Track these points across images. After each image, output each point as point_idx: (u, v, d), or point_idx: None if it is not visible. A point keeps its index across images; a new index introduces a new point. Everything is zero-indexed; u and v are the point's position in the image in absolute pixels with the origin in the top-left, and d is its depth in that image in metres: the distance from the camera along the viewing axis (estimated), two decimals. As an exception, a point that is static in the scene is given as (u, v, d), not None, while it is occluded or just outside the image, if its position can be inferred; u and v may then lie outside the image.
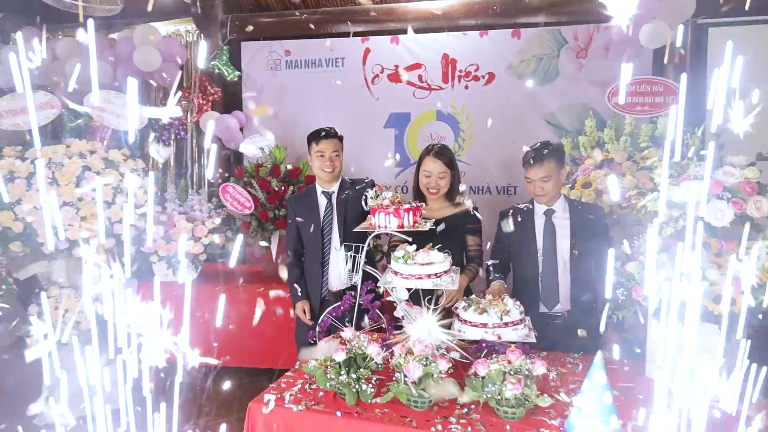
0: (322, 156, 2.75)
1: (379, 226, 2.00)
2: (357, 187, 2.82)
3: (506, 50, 4.08)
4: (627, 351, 2.61)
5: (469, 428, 1.66)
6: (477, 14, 4.07)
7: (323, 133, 2.76)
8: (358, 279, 2.07)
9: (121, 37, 4.49)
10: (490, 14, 4.05)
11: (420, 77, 4.24)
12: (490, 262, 2.69)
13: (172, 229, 3.57)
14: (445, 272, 2.01)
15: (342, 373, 1.81)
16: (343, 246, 2.14)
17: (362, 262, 2.07)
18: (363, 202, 2.42)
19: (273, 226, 3.71)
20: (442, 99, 4.22)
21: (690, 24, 3.72)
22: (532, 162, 2.49)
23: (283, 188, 3.72)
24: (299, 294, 2.79)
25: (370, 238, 2.10)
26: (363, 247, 2.08)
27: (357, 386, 1.79)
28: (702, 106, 3.77)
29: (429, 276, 1.96)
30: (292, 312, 2.88)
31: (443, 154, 2.65)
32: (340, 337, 1.96)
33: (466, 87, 4.17)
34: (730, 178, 1.86)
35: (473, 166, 4.23)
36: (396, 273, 2.01)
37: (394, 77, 4.29)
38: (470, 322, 2.02)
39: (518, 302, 2.11)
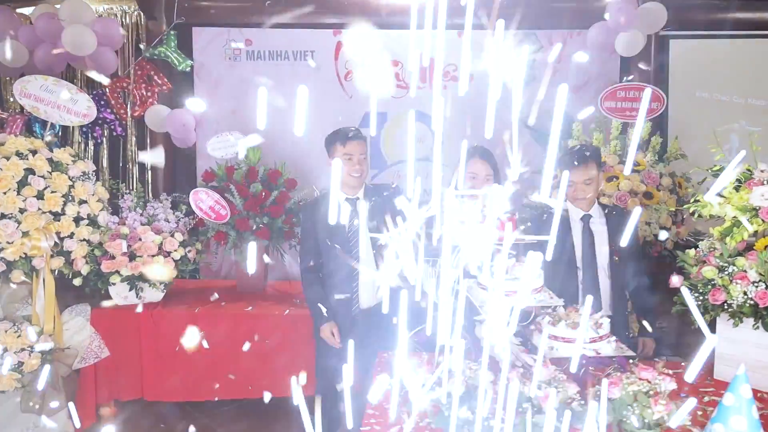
0: (350, 159, 2.47)
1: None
2: (385, 194, 2.57)
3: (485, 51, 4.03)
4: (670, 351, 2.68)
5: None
6: (455, 13, 3.96)
7: (351, 134, 2.48)
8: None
9: (40, 13, 3.73)
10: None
11: (397, 75, 4.05)
12: None
13: (136, 243, 3.01)
14: (542, 287, 1.86)
15: (467, 409, 1.59)
16: (425, 262, 1.91)
17: (456, 279, 1.85)
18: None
19: (254, 236, 3.29)
20: (420, 99, 4.06)
21: (654, 35, 3.95)
22: (576, 164, 2.43)
23: (263, 194, 3.32)
24: (325, 314, 2.47)
25: (460, 252, 1.88)
26: (455, 262, 1.86)
27: (483, 422, 1.58)
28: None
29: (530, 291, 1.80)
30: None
31: (490, 155, 2.51)
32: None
33: (445, 87, 4.06)
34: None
35: (452, 169, 4.13)
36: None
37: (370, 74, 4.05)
38: (563, 338, 1.90)
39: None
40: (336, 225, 2.49)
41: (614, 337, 1.95)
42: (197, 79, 4.03)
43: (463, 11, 3.84)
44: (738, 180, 2.11)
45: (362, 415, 2.23)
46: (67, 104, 3.04)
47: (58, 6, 3.78)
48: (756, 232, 2.04)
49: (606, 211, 2.56)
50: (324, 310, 2.47)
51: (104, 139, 4.03)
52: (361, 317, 2.51)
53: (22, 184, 2.66)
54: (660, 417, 1.56)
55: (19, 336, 2.71)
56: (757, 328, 1.95)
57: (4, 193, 2.60)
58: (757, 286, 1.93)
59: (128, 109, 3.90)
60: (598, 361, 1.94)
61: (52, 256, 2.81)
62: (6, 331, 2.68)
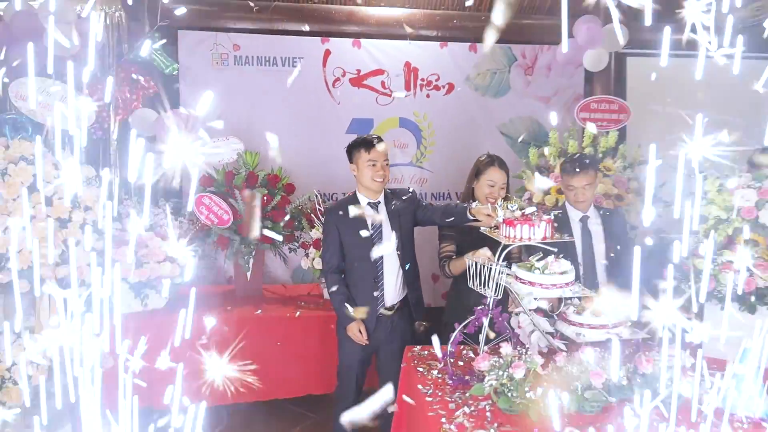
0: (373, 165, 2.60)
1: (522, 239, 1.99)
2: (404, 197, 2.72)
3: (464, 62, 4.28)
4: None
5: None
6: (437, 25, 4.20)
7: (375, 141, 2.61)
8: (496, 294, 2.03)
9: (15, 9, 3.55)
10: (449, 27, 4.21)
11: (383, 83, 4.20)
12: None
13: (143, 249, 2.97)
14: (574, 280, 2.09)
15: (527, 389, 1.77)
16: (472, 261, 2.08)
17: (503, 276, 2.04)
18: (469, 213, 2.37)
19: (257, 241, 3.33)
20: (405, 106, 4.24)
21: (613, 53, 4.37)
22: (577, 170, 2.70)
23: (265, 198, 3.36)
24: (352, 314, 2.58)
25: (507, 250, 2.07)
26: (498, 259, 2.05)
27: (542, 401, 1.78)
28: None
29: (567, 284, 2.02)
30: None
31: (505, 164, 2.72)
32: (498, 352, 1.91)
33: (428, 96, 4.27)
34: (778, 187, 2.31)
35: (434, 173, 4.35)
36: (532, 284, 2.03)
37: (356, 81, 4.17)
38: (589, 325, 2.13)
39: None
40: (360, 227, 2.63)
41: (629, 322, 2.21)
42: (183, 83, 3.98)
43: (446, 24, 4.12)
44: (720, 184, 2.45)
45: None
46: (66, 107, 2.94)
47: (32, 3, 3.63)
48: (736, 228, 2.39)
49: (601, 212, 2.85)
50: (351, 309, 2.58)
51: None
52: (384, 316, 2.64)
53: (30, 189, 2.57)
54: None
55: (25, 348, 2.61)
56: (744, 310, 2.29)
57: (14, 200, 2.50)
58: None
59: (111, 113, 3.79)
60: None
61: (57, 265, 2.73)
62: (12, 344, 2.57)
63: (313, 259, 3.36)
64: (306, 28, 4.05)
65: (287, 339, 3.02)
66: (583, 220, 2.81)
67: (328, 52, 4.12)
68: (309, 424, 3.34)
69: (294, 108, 4.10)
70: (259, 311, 3.15)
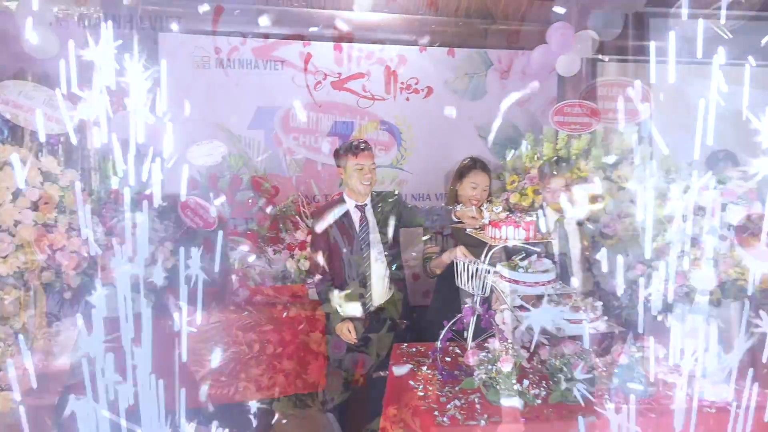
0: (361, 169, 2.68)
1: (506, 239, 2.10)
2: (390, 200, 2.81)
3: (443, 67, 4.39)
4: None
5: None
6: (416, 30, 4.29)
7: (362, 146, 2.69)
8: (483, 292, 2.13)
9: (-10, 10, 3.49)
10: (428, 31, 4.31)
11: (363, 87, 4.27)
12: None
13: (129, 253, 2.97)
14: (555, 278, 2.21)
15: (515, 382, 1.88)
16: (460, 261, 2.18)
17: (489, 275, 2.14)
18: (453, 216, 2.46)
19: (243, 243, 3.36)
20: (385, 109, 4.32)
21: (585, 59, 4.54)
22: (554, 173, 2.84)
23: (251, 201, 3.40)
24: (341, 313, 2.65)
25: (494, 250, 2.18)
26: (486, 260, 2.15)
27: (528, 393, 1.89)
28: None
29: (548, 282, 2.14)
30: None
31: (488, 167, 2.83)
32: (486, 348, 2.01)
33: (407, 99, 4.35)
34: (739, 189, 2.48)
35: (414, 175, 4.44)
36: (517, 282, 2.14)
37: (337, 85, 4.23)
38: (569, 320, 2.26)
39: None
40: (347, 229, 2.70)
41: (606, 317, 2.35)
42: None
43: (424, 30, 4.23)
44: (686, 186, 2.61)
45: (380, 403, 2.46)
46: (47, 111, 2.93)
47: (7, 3, 3.57)
48: (702, 227, 2.55)
49: (576, 212, 2.99)
50: (339, 309, 2.65)
51: (60, 145, 3.82)
52: (374, 313, 2.72)
53: (17, 195, 2.56)
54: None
55: (12, 355, 2.60)
56: (710, 303, 2.46)
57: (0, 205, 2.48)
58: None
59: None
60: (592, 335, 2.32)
61: (42, 270, 2.71)
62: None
63: (299, 260, 3.42)
64: (287, 31, 4.10)
65: (274, 340, 3.07)
66: (560, 221, 2.95)
67: (309, 56, 4.17)
68: (298, 423, 3.39)
69: (276, 111, 4.13)
70: (246, 313, 3.19)
